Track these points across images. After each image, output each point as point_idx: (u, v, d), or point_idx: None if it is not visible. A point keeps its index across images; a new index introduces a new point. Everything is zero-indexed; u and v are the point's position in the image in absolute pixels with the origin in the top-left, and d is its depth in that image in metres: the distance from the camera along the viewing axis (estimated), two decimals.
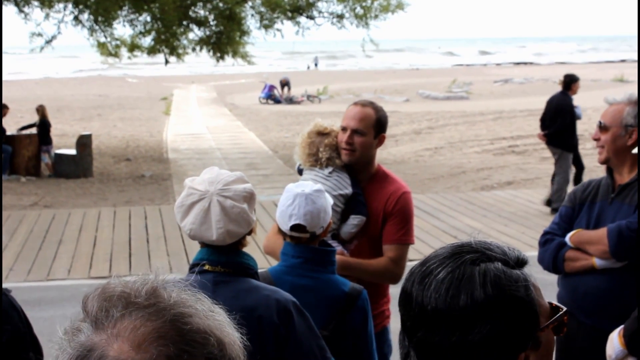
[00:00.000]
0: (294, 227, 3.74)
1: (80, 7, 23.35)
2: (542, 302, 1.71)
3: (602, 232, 4.31)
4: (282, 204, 3.79)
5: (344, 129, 4.63)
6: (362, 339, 3.80)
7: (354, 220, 4.53)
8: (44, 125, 19.70)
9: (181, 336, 1.24)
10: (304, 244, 3.77)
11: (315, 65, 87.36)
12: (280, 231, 3.87)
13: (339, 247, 4.43)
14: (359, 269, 4.44)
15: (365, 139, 4.60)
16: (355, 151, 4.60)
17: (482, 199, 15.51)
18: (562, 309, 1.74)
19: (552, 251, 4.55)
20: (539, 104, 36.30)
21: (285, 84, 42.71)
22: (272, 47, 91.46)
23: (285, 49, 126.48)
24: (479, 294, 1.62)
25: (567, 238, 4.50)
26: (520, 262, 1.72)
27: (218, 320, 1.31)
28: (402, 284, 1.77)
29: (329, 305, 3.73)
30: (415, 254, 11.23)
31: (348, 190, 4.57)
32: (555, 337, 1.75)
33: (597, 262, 4.35)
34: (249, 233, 3.32)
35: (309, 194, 3.74)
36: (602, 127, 4.41)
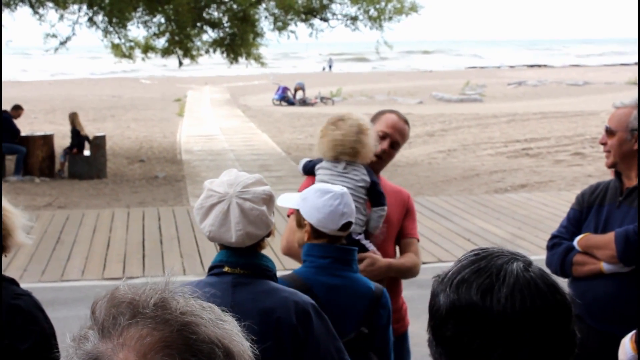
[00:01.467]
0: (346, 225, 3.75)
1: (95, 8, 23.41)
2: None
3: (609, 237, 4.29)
4: (328, 204, 3.73)
5: (384, 135, 4.74)
6: (385, 337, 3.85)
7: (379, 212, 4.56)
8: (75, 134, 19.68)
9: (188, 346, 1.23)
10: (331, 243, 3.78)
11: (330, 67, 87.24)
12: (316, 233, 3.79)
13: (372, 247, 4.46)
14: (400, 269, 4.58)
15: (396, 152, 4.90)
16: (386, 161, 4.83)
17: (496, 201, 15.48)
18: None
19: (560, 255, 4.54)
20: (553, 106, 36.56)
21: (299, 89, 42.66)
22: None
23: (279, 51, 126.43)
24: (550, 298, 1.69)
25: (575, 242, 4.48)
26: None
27: (226, 330, 1.30)
28: (444, 299, 1.75)
29: (361, 303, 3.75)
30: (429, 256, 11.22)
31: (368, 179, 4.59)
32: None
33: (605, 266, 4.34)
34: (268, 235, 3.33)
35: (346, 194, 3.78)
36: (609, 132, 4.39)
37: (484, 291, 1.68)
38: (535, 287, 1.67)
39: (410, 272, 4.65)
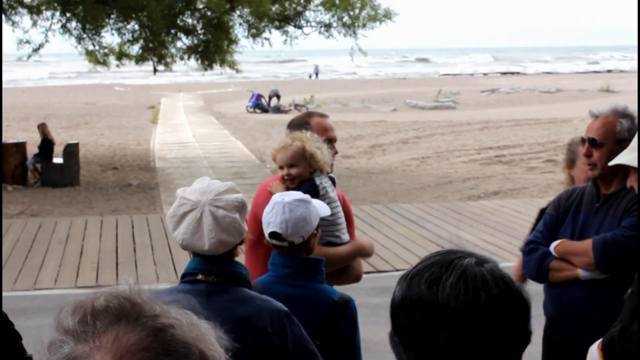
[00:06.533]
0: (271, 235, 3.78)
1: (68, 15, 23.31)
2: None
3: (587, 244, 4.30)
4: (264, 211, 3.86)
5: (334, 140, 5.02)
6: (351, 348, 3.84)
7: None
8: (46, 143, 19.57)
9: (163, 348, 1.24)
10: (292, 253, 3.79)
11: (316, 74, 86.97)
12: (266, 240, 3.90)
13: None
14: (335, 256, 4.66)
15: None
16: None
17: (469, 208, 15.54)
18: None
19: (537, 261, 4.55)
20: (526, 113, 36.75)
21: (273, 96, 42.61)
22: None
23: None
24: (494, 290, 1.72)
25: (552, 248, 4.49)
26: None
27: (202, 334, 1.30)
28: (398, 291, 1.82)
29: (320, 314, 3.75)
30: (402, 264, 11.26)
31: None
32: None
33: (581, 273, 4.36)
34: (241, 243, 3.33)
35: (287, 203, 3.78)
36: (595, 143, 4.36)
37: (431, 282, 1.75)
38: (482, 280, 1.72)
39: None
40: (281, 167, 4.68)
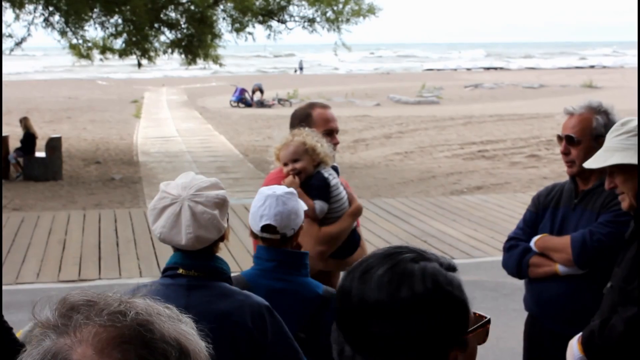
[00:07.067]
0: (265, 228, 3.78)
1: (51, 8, 23.21)
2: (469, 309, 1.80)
3: (566, 240, 4.32)
4: (254, 205, 3.86)
5: (331, 130, 5.14)
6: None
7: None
8: (28, 138, 19.48)
9: (144, 342, 1.24)
10: (277, 247, 3.81)
11: (301, 69, 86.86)
12: (252, 234, 3.91)
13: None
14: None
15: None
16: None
17: (452, 203, 15.59)
18: (486, 318, 1.82)
19: (517, 257, 4.58)
20: (509, 108, 36.85)
21: (257, 90, 42.56)
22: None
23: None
24: (418, 287, 1.71)
25: (532, 243, 4.52)
26: (452, 268, 1.81)
27: (183, 329, 1.31)
28: (340, 282, 1.86)
29: (305, 308, 3.77)
30: None
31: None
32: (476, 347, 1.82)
33: (560, 268, 4.38)
34: (221, 239, 3.34)
35: (280, 195, 3.80)
36: (572, 141, 4.36)
37: (361, 275, 1.77)
38: (408, 275, 1.72)
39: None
40: (285, 164, 4.77)
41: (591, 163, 3.79)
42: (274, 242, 3.82)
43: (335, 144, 5.09)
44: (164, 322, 1.29)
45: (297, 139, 4.75)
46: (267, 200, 3.78)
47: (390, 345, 1.71)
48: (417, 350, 1.70)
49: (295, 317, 3.66)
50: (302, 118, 5.07)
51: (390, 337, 1.70)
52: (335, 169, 4.95)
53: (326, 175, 4.80)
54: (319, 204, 4.70)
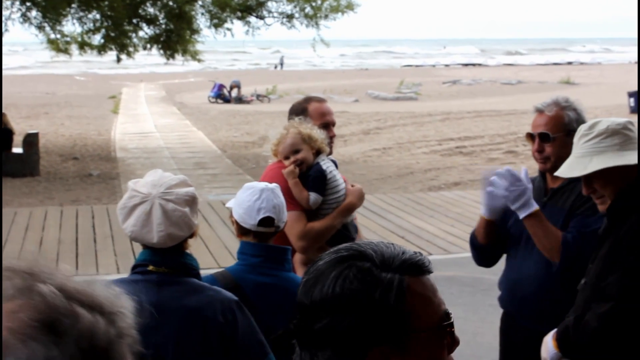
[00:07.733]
0: (263, 221, 3.79)
1: (28, 4, 23.10)
2: (422, 310, 1.74)
3: (558, 235, 4.24)
4: (247, 200, 3.84)
5: (328, 123, 5.13)
6: None
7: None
8: (5, 133, 19.35)
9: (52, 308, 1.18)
10: (266, 241, 3.84)
11: (281, 65, 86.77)
12: (241, 229, 3.90)
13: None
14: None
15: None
16: None
17: (430, 199, 15.64)
18: (448, 321, 1.77)
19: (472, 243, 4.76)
20: (487, 105, 36.95)
21: (234, 87, 42.49)
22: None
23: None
24: (327, 289, 1.73)
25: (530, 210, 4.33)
26: (406, 267, 1.75)
27: (110, 293, 1.27)
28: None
29: (292, 302, 3.79)
30: None
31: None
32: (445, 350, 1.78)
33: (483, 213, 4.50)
34: (191, 236, 3.36)
35: (274, 189, 3.85)
36: (546, 138, 4.34)
37: (306, 273, 1.82)
38: (340, 275, 1.73)
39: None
40: (286, 157, 4.77)
41: (569, 172, 3.75)
42: (266, 235, 3.84)
43: (332, 136, 5.10)
44: (83, 284, 1.24)
45: (293, 131, 4.76)
46: (264, 194, 3.81)
47: (311, 340, 1.76)
48: (333, 347, 1.73)
49: (286, 310, 3.69)
50: (299, 112, 5.08)
51: (313, 333, 1.75)
52: (334, 163, 4.98)
53: (324, 167, 4.80)
54: (313, 196, 4.69)
